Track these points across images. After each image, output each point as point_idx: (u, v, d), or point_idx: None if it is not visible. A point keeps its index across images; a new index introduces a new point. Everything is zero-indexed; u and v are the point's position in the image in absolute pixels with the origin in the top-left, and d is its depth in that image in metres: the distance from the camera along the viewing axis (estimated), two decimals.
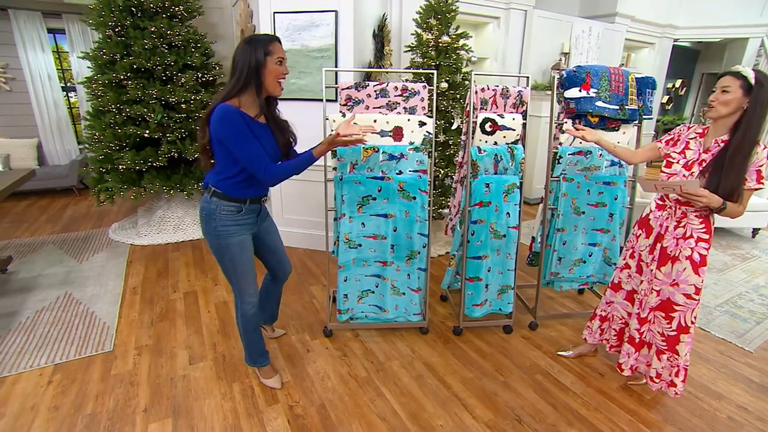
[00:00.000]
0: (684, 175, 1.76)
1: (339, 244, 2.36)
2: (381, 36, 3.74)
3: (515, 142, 2.43)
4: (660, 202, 1.90)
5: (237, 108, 1.60)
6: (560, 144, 2.48)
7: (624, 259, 2.08)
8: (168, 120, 3.56)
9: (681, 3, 6.31)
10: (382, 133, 2.25)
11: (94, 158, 3.67)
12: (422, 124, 2.26)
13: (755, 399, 2.06)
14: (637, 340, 1.99)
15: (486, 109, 2.41)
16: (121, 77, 3.47)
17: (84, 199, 5.29)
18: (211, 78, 3.88)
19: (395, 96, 2.28)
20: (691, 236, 1.77)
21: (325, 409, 1.93)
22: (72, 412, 1.88)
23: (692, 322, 1.83)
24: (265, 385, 2.05)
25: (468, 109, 2.37)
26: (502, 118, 2.35)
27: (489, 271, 2.46)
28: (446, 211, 3.72)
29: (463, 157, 2.59)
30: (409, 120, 2.25)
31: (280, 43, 1.67)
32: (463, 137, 2.57)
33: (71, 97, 5.90)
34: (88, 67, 3.72)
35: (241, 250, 1.77)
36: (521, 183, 2.41)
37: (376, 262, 2.38)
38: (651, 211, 1.95)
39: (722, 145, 1.69)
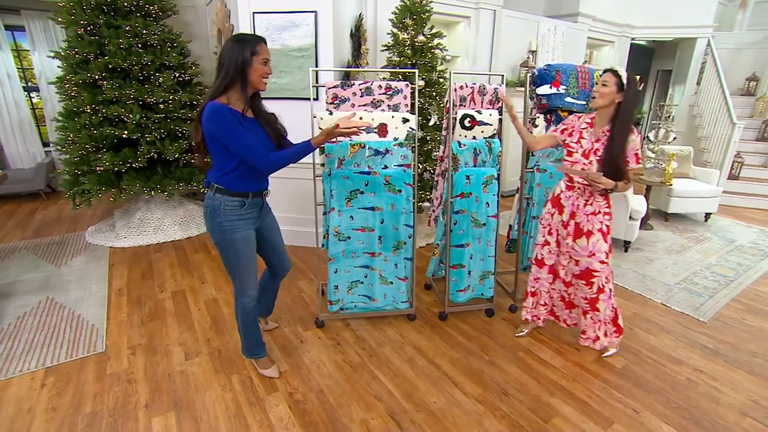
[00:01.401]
0: (583, 163, 2.07)
1: (329, 237, 2.44)
2: (358, 36, 3.83)
3: (492, 137, 2.59)
4: (569, 183, 2.19)
5: (225, 104, 1.66)
6: None
7: (543, 236, 2.33)
8: (146, 120, 3.52)
9: (637, 4, 6.70)
10: (368, 130, 2.35)
11: (68, 160, 3.58)
12: (405, 120, 2.37)
13: (709, 362, 2.31)
14: (566, 300, 2.34)
15: (465, 106, 2.55)
16: (96, 77, 3.40)
17: (53, 203, 5.12)
18: (188, 77, 3.86)
19: (379, 94, 2.38)
20: (599, 212, 2.10)
21: (324, 394, 2.02)
22: (71, 412, 1.89)
23: (606, 283, 2.16)
24: (263, 375, 2.12)
25: (447, 106, 2.50)
26: (480, 114, 2.50)
27: (471, 258, 2.61)
28: (427, 204, 3.86)
29: (444, 152, 2.73)
30: (393, 117, 2.36)
31: (266, 44, 1.75)
32: (443, 133, 2.70)
33: (34, 97, 5.66)
34: (59, 67, 3.62)
35: (245, 245, 1.84)
36: (499, 175, 2.57)
37: (365, 253, 2.49)
38: (561, 191, 2.23)
39: (607, 134, 2.01)
